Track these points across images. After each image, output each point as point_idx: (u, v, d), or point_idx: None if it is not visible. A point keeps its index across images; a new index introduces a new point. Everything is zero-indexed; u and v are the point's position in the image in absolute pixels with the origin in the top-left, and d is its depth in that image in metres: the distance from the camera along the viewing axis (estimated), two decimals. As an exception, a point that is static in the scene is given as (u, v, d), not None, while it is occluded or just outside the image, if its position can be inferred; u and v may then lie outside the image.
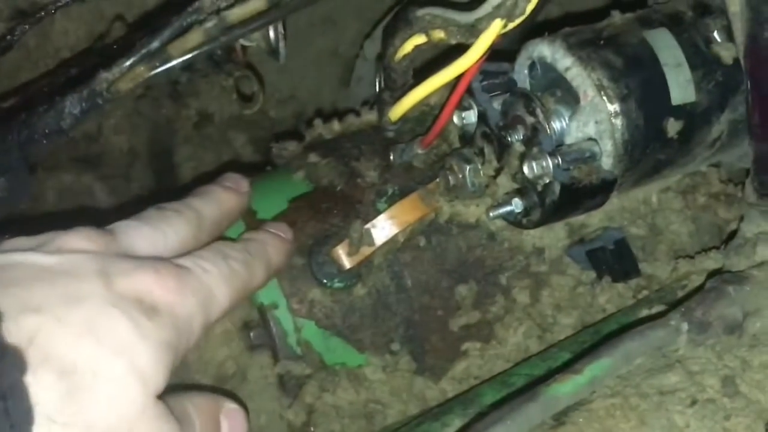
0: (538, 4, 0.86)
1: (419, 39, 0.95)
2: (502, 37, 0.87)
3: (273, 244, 0.82)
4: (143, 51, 0.81)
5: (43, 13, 1.08)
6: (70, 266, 0.64)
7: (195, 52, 0.81)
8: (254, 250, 0.78)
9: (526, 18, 0.86)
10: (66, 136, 0.85)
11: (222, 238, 0.80)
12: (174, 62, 0.81)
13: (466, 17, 0.89)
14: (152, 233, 0.73)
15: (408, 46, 0.96)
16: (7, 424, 0.53)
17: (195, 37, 0.81)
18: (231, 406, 0.72)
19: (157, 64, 0.81)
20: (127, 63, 0.81)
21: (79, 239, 0.67)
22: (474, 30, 0.88)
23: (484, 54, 0.87)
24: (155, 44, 0.81)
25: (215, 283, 0.70)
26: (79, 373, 0.58)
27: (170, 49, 0.81)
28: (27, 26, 1.08)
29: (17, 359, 0.56)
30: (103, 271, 0.64)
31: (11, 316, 0.58)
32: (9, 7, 1.12)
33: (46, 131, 0.84)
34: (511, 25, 0.86)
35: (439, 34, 0.92)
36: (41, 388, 0.56)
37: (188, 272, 0.69)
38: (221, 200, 0.82)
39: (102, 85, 0.82)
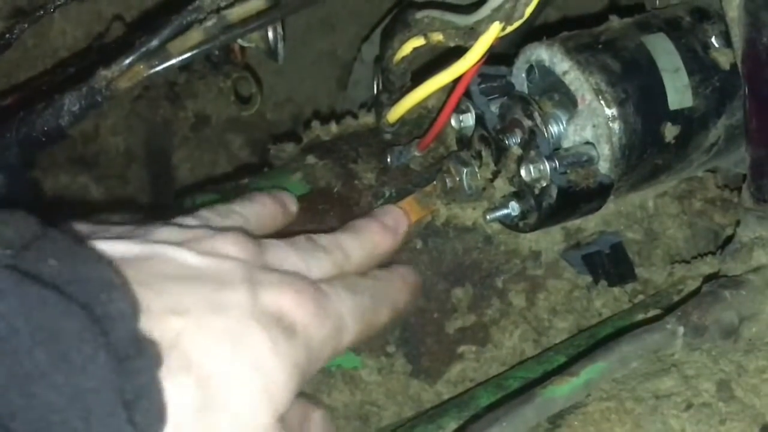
0: (536, 7, 0.86)
1: (418, 41, 0.95)
2: (501, 40, 0.87)
3: (399, 288, 0.79)
4: (142, 49, 0.81)
5: (41, 12, 1.08)
6: (219, 271, 0.63)
7: (195, 51, 0.81)
8: (383, 290, 0.77)
9: (525, 21, 0.87)
10: (65, 133, 0.85)
11: None
12: (173, 61, 0.81)
13: (465, 20, 0.89)
14: (297, 262, 0.71)
15: (406, 49, 0.96)
16: (130, 428, 0.51)
17: (195, 36, 0.81)
18: (318, 413, 0.71)
19: (157, 62, 0.81)
20: (127, 61, 0.81)
21: (232, 245, 0.67)
22: (472, 33, 0.88)
23: (482, 57, 0.87)
24: (155, 43, 0.81)
25: (349, 314, 0.69)
26: (215, 385, 0.57)
27: (170, 47, 0.81)
28: (26, 25, 1.08)
29: (156, 359, 0.54)
30: (249, 281, 0.63)
31: (156, 315, 0.56)
32: (8, 5, 1.12)
33: (45, 129, 0.84)
34: (509, 29, 0.86)
35: (437, 37, 0.93)
36: (179, 394, 0.55)
37: (327, 297, 0.68)
38: (375, 244, 0.81)
39: (101, 83, 0.81)
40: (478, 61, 0.88)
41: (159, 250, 0.63)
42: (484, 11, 0.87)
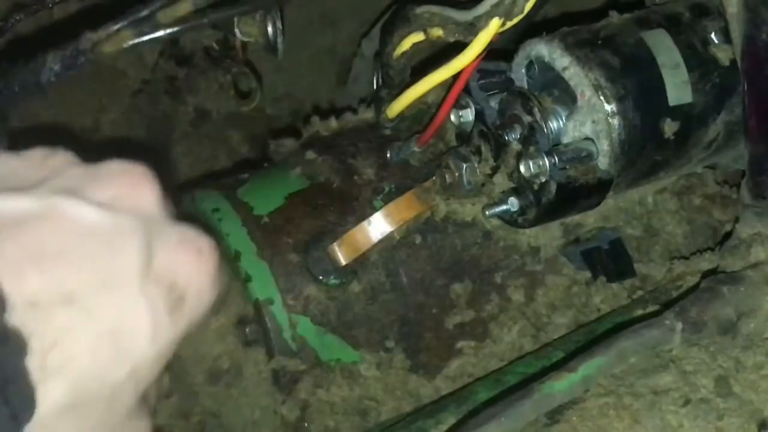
0: (536, 3, 0.86)
1: (417, 37, 0.95)
2: (500, 35, 0.87)
3: None
4: (132, 16, 0.80)
5: (36, 7, 1.08)
6: (115, 232, 0.56)
7: (184, 25, 0.80)
8: None
9: (525, 17, 0.86)
10: (43, 91, 0.83)
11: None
12: (160, 32, 0.80)
13: (465, 15, 0.89)
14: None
15: (406, 44, 0.96)
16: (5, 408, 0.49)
17: (184, 6, 0.80)
18: None
19: (145, 30, 0.80)
20: (115, 27, 0.80)
21: (144, 192, 0.59)
22: (472, 28, 0.88)
23: (481, 52, 0.87)
24: (144, 12, 0.80)
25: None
26: (88, 383, 0.53)
27: (159, 16, 0.80)
28: (22, 15, 1.08)
29: (20, 348, 0.51)
30: (145, 242, 0.56)
31: (44, 307, 0.52)
32: (7, 2, 1.12)
33: (24, 84, 0.82)
34: (509, 24, 0.86)
35: (437, 32, 0.92)
36: (51, 394, 0.52)
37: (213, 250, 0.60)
38: None
39: (86, 45, 0.80)
40: (477, 57, 0.87)
41: (60, 206, 0.55)
42: (484, 7, 0.87)
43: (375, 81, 1.07)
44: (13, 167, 0.60)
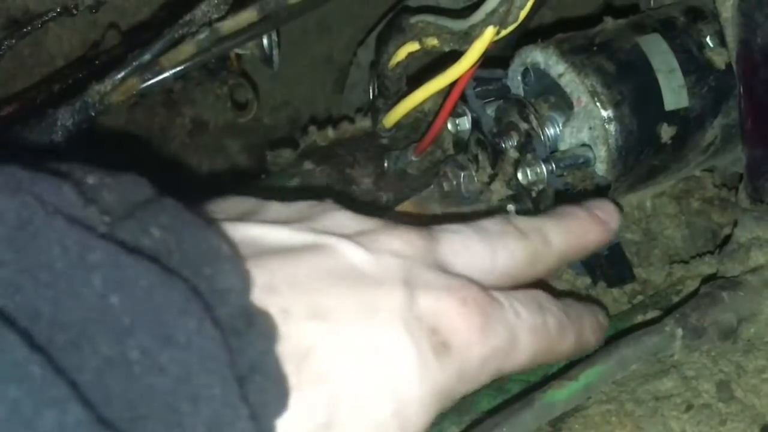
0: (530, 10, 0.86)
1: (413, 46, 0.95)
2: (495, 43, 0.88)
3: (590, 322, 0.69)
4: (135, 63, 0.81)
5: (31, 27, 1.08)
6: (376, 270, 0.54)
7: (187, 64, 0.81)
8: (573, 316, 0.65)
9: (519, 25, 0.87)
10: (58, 149, 0.84)
11: None
12: (166, 74, 0.81)
13: (460, 24, 0.90)
14: (481, 249, 0.61)
15: (401, 53, 0.96)
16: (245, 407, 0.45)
17: (187, 48, 0.81)
18: None
19: (149, 76, 0.81)
20: (119, 75, 0.81)
21: (402, 241, 0.57)
22: (467, 37, 0.88)
23: (477, 61, 0.87)
24: (147, 57, 0.81)
25: (524, 335, 0.59)
26: (343, 404, 0.50)
27: (162, 60, 0.81)
28: (18, 37, 1.08)
29: (270, 332, 0.48)
30: (408, 281, 0.55)
31: (294, 319, 0.50)
32: (2, 16, 1.12)
33: (39, 145, 0.84)
34: (504, 32, 0.86)
35: (432, 41, 0.93)
36: (302, 410, 0.48)
37: (500, 308, 0.58)
38: (581, 235, 0.69)
39: (94, 97, 0.81)
40: (473, 65, 0.88)
41: (322, 241, 0.55)
42: (479, 15, 0.87)
43: (371, 91, 1.07)
44: (279, 210, 0.59)
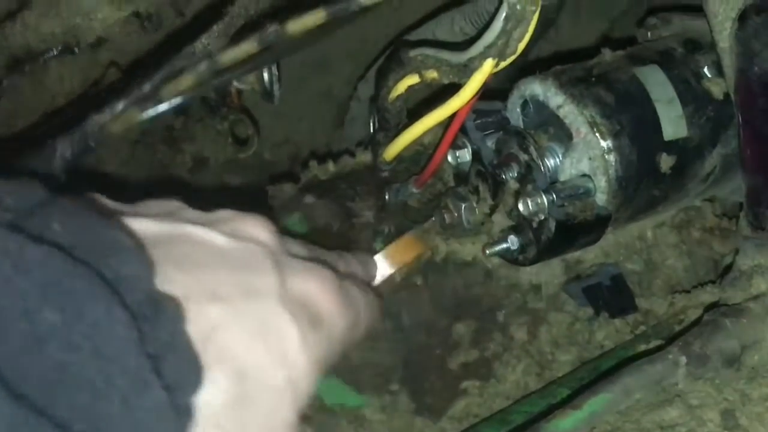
0: (529, 43, 0.87)
1: (412, 79, 0.96)
2: (494, 75, 0.88)
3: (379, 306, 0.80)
4: (135, 94, 0.81)
5: (41, 61, 1.09)
6: (247, 255, 0.61)
7: (187, 95, 0.82)
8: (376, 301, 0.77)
9: (518, 57, 0.87)
10: (58, 180, 0.85)
11: None
12: (166, 105, 0.81)
13: (459, 57, 0.90)
14: (308, 254, 0.71)
15: (401, 87, 0.97)
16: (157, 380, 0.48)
17: (186, 80, 0.81)
18: None
19: (149, 106, 0.81)
20: (119, 106, 0.81)
21: (257, 228, 0.64)
22: (466, 69, 0.89)
23: (476, 93, 0.88)
24: (147, 88, 0.81)
25: (363, 309, 0.70)
26: (249, 379, 0.56)
27: (162, 92, 0.82)
28: (19, 75, 1.09)
29: (177, 315, 0.53)
30: (277, 266, 0.62)
31: (194, 301, 0.54)
32: (4, 54, 1.13)
33: (39, 176, 0.84)
34: (502, 64, 0.87)
35: (431, 74, 0.93)
36: (213, 388, 0.53)
37: (347, 288, 0.68)
38: (354, 267, 0.82)
39: (94, 128, 0.81)
40: (472, 98, 0.88)
41: (188, 230, 0.61)
42: (477, 48, 0.87)
43: (371, 124, 1.07)
44: (131, 208, 0.64)
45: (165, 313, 0.52)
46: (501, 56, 0.86)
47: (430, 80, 0.94)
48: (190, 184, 1.58)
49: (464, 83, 0.88)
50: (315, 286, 0.64)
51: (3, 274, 0.46)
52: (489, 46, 0.86)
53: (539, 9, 0.85)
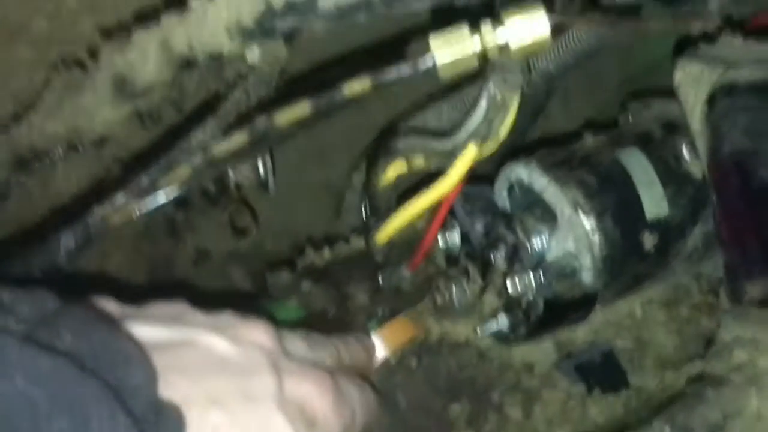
0: (512, 129, 0.90)
1: (400, 166, 0.99)
2: (485, 160, 0.91)
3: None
4: (134, 187, 0.85)
5: (47, 161, 1.12)
6: (247, 360, 0.66)
7: (183, 187, 0.85)
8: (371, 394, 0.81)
9: (502, 143, 0.91)
10: (61, 271, 0.87)
11: None
12: (164, 196, 0.85)
13: (444, 144, 0.94)
14: (306, 350, 0.75)
15: (390, 173, 1.00)
16: None
17: (182, 171, 0.85)
18: None
19: (148, 198, 0.85)
20: (119, 199, 0.84)
21: (258, 332, 0.69)
22: (452, 156, 0.92)
23: (462, 178, 0.91)
24: (145, 181, 0.84)
25: (358, 406, 0.73)
26: None
27: (160, 184, 0.85)
28: (26, 175, 1.12)
29: (178, 422, 0.57)
30: (275, 370, 0.66)
31: (195, 406, 0.59)
32: (11, 155, 1.16)
33: (42, 267, 0.87)
34: (486, 150, 0.90)
35: (418, 161, 0.97)
36: None
37: (342, 389, 0.71)
38: (355, 352, 0.86)
39: (95, 220, 0.85)
40: (458, 183, 0.91)
41: (192, 336, 0.65)
42: (462, 135, 0.91)
43: (363, 210, 1.10)
44: (138, 312, 0.69)
45: (167, 419, 0.56)
46: (484, 142, 0.90)
47: (418, 167, 0.97)
48: (191, 280, 1.60)
49: (450, 169, 0.92)
50: (311, 389, 0.67)
51: (17, 386, 0.50)
52: (472, 133, 0.90)
53: (519, 96, 0.89)
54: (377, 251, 1.05)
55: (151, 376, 0.57)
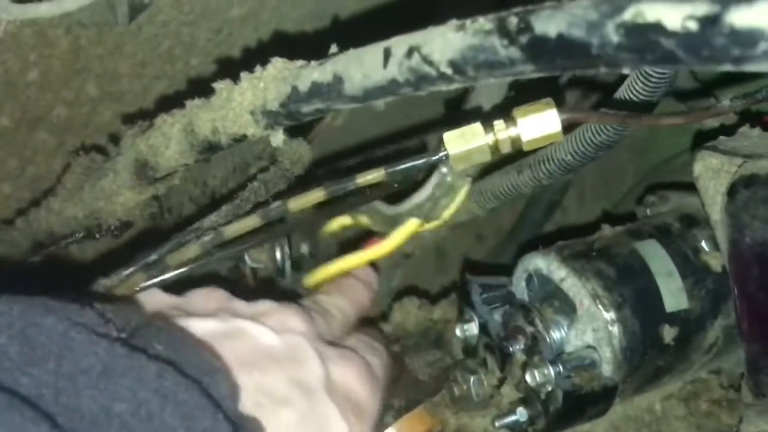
0: (454, 214, 0.93)
1: (345, 220, 1.03)
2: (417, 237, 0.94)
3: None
4: (141, 262, 0.85)
5: (63, 245, 1.12)
6: (293, 349, 0.69)
7: (191, 265, 0.85)
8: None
9: (443, 224, 0.94)
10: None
11: None
12: (171, 273, 0.85)
13: (390, 210, 0.96)
14: (325, 325, 0.78)
15: (335, 224, 1.04)
16: None
17: (192, 250, 0.85)
18: None
19: (154, 273, 0.85)
20: (126, 272, 0.85)
21: (297, 319, 0.72)
22: (395, 223, 0.95)
23: (396, 247, 0.94)
24: (153, 256, 0.85)
25: (383, 378, 0.77)
26: None
27: (168, 260, 0.85)
28: (39, 260, 1.12)
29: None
30: (320, 358, 0.69)
31: (268, 408, 0.63)
32: (28, 239, 1.17)
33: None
34: (427, 226, 0.93)
35: (363, 220, 1.00)
36: None
37: (373, 369, 0.75)
38: (360, 300, 0.90)
39: (100, 290, 0.85)
40: (391, 251, 0.95)
41: (240, 326, 0.68)
42: (406, 206, 0.94)
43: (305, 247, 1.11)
44: (184, 303, 0.74)
45: (252, 428, 0.61)
46: (426, 219, 0.93)
47: (363, 225, 1.00)
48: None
49: (389, 236, 0.95)
50: (353, 376, 0.71)
51: (127, 386, 0.53)
52: (417, 207, 0.93)
53: (468, 185, 0.92)
54: (302, 291, 1.05)
55: (233, 387, 0.61)
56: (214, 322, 0.68)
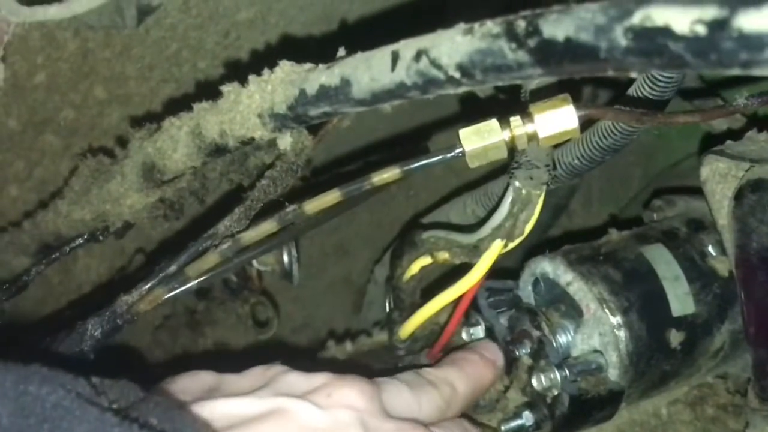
0: (535, 224, 0.90)
1: (425, 260, 0.99)
2: (505, 255, 0.91)
3: None
4: (161, 274, 0.85)
5: (67, 249, 1.12)
6: (335, 425, 0.66)
7: (211, 273, 0.85)
8: None
9: (525, 238, 0.91)
10: (88, 357, 0.87)
11: None
12: (191, 283, 0.85)
13: (469, 238, 0.94)
14: (410, 399, 0.74)
15: (415, 267, 1.00)
16: None
17: (211, 259, 0.85)
18: None
19: (176, 285, 0.84)
20: (146, 286, 0.84)
21: (353, 393, 0.69)
22: (476, 250, 0.92)
23: (485, 273, 0.91)
24: (173, 268, 0.85)
25: None
26: None
27: (187, 271, 0.85)
28: (47, 264, 1.13)
29: None
30: (365, 430, 0.66)
31: None
32: (35, 242, 1.17)
33: (68, 354, 0.86)
34: (510, 245, 0.90)
35: (443, 255, 0.96)
36: None
37: None
38: (478, 378, 0.85)
39: (122, 307, 0.85)
40: (481, 278, 0.91)
41: (282, 406, 0.65)
42: (486, 230, 0.91)
43: (387, 304, 1.10)
44: (226, 383, 0.72)
45: None
46: (509, 237, 0.89)
47: (442, 261, 0.97)
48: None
49: (474, 263, 0.91)
50: None
51: None
52: (497, 228, 0.90)
53: (544, 193, 0.89)
54: (400, 345, 1.05)
55: None
56: (251, 401, 0.66)
